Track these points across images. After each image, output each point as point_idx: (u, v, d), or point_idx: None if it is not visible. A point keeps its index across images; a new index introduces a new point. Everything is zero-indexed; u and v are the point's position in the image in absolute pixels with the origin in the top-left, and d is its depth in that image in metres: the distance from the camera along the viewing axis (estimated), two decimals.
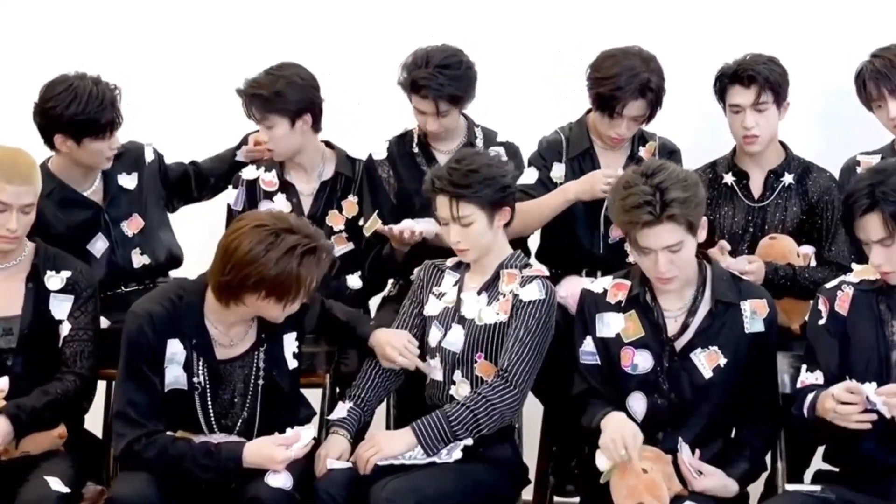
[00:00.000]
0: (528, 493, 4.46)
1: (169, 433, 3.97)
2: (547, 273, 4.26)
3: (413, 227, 4.59)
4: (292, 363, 4.13)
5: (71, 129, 4.56)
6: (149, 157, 4.87)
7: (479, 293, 4.24)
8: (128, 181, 4.82)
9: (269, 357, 4.09)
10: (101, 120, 4.55)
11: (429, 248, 4.59)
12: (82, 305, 4.27)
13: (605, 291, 4.16)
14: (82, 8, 5.69)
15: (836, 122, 5.08)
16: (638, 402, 4.09)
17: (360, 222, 4.83)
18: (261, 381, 4.06)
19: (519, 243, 4.56)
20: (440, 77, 4.64)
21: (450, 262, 4.36)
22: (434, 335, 4.27)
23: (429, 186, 4.21)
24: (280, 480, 3.91)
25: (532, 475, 4.43)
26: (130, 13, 5.65)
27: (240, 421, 4.08)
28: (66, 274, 4.26)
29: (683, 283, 4.05)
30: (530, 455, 4.54)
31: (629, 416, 4.00)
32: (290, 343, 4.13)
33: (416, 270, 4.49)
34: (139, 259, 4.82)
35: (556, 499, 4.52)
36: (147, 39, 5.63)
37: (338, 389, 4.54)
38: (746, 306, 4.08)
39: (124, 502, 3.87)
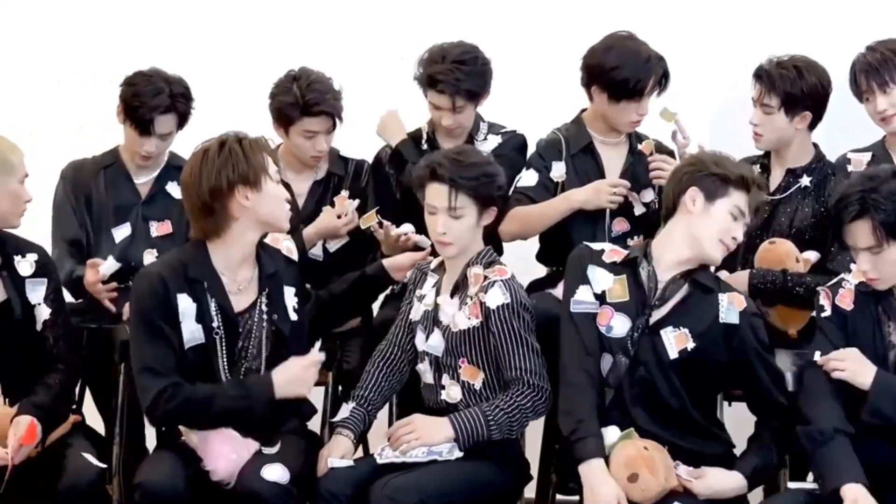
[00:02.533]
0: (529, 491, 4.46)
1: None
2: (506, 272, 4.22)
3: (410, 235, 4.60)
4: (293, 315, 4.14)
5: (125, 110, 4.80)
6: None
7: (451, 296, 4.24)
8: (175, 189, 4.84)
9: (272, 301, 4.11)
10: (142, 116, 4.74)
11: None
12: (56, 288, 4.27)
13: (603, 251, 4.17)
14: (82, 9, 5.68)
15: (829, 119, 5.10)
16: (604, 362, 4.08)
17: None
18: (264, 325, 4.08)
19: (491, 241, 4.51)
20: (457, 72, 4.67)
21: (433, 263, 4.35)
22: (419, 339, 4.28)
23: (425, 173, 4.20)
24: (276, 474, 3.92)
25: (534, 472, 4.43)
26: (131, 14, 5.66)
27: (251, 368, 4.08)
28: (32, 257, 4.25)
29: None
30: (532, 452, 4.54)
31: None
32: (290, 295, 4.16)
33: (408, 273, 4.48)
34: (152, 259, 4.79)
35: (558, 496, 4.51)
36: (147, 41, 5.62)
37: (340, 388, 4.54)
38: (724, 297, 4.07)
39: (152, 486, 3.88)
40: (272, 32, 5.59)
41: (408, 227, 4.62)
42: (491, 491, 4.16)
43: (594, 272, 4.14)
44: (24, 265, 4.23)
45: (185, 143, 5.16)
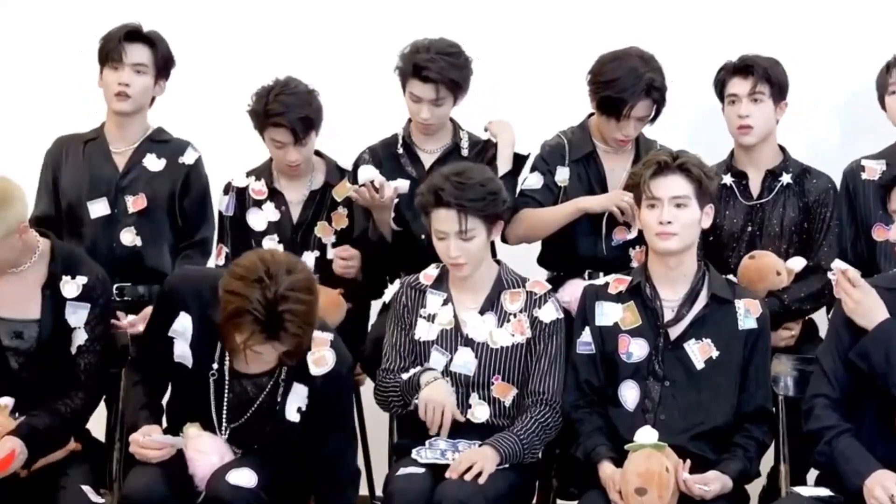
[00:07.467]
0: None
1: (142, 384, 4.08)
2: (547, 285, 4.30)
3: (386, 183, 4.58)
4: (292, 416, 4.01)
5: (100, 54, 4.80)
6: (188, 158, 4.84)
7: (481, 313, 4.24)
8: (153, 163, 4.79)
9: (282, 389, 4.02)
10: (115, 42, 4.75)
11: (420, 248, 4.60)
12: (99, 314, 4.18)
13: (607, 284, 4.25)
14: (82, 10, 5.67)
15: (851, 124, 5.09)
16: (630, 391, 4.16)
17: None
18: (262, 406, 4.01)
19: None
20: (442, 62, 4.64)
21: (424, 278, 4.32)
22: (437, 360, 4.23)
23: (430, 199, 4.17)
24: (243, 479, 3.89)
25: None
26: (130, 15, 5.63)
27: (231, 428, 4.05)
28: (81, 280, 4.16)
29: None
30: None
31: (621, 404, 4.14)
32: (298, 394, 4.02)
33: (389, 292, 4.43)
34: (132, 238, 4.76)
35: (559, 501, 4.52)
36: None
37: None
38: (740, 304, 4.18)
39: (134, 495, 3.89)
40: (264, 35, 5.58)
41: (372, 177, 4.58)
42: (526, 493, 4.27)
43: (602, 307, 4.22)
44: (70, 287, 4.15)
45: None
